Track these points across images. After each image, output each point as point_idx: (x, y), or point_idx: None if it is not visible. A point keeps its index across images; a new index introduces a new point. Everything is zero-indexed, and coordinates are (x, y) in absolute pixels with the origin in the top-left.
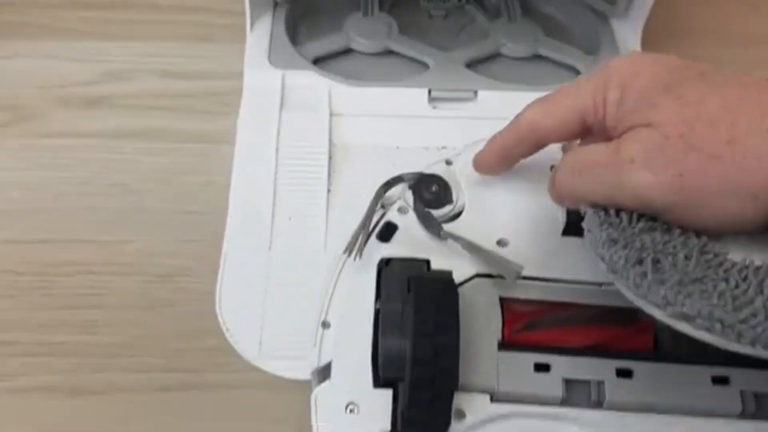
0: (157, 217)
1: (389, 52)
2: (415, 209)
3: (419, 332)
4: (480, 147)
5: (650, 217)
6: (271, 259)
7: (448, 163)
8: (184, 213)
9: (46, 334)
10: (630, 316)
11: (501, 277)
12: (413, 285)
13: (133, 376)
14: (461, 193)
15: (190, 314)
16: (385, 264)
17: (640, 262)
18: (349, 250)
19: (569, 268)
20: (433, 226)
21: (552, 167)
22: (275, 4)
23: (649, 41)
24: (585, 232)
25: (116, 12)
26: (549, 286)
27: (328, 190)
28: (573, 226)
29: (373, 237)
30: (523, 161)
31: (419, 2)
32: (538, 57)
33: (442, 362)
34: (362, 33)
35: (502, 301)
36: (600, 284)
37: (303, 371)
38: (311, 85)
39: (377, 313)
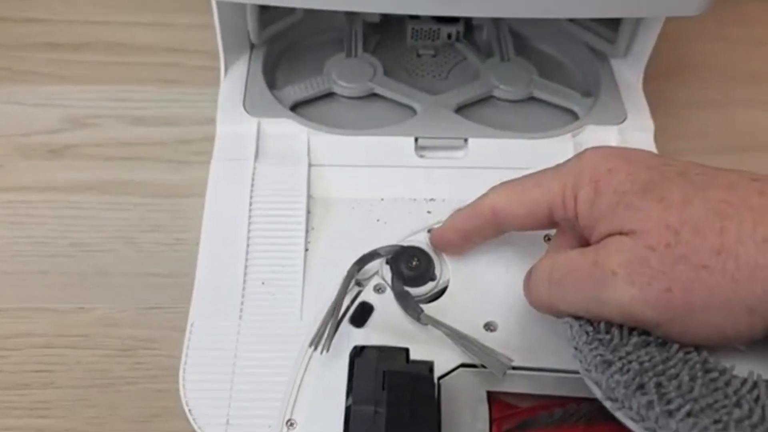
0: (119, 281)
1: (374, 96)
2: (393, 288)
3: None
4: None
5: (642, 330)
6: (241, 329)
7: (431, 232)
8: (149, 276)
9: None
10: None
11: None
12: (387, 384)
13: None
14: (445, 267)
15: (151, 393)
16: (358, 352)
17: (642, 387)
18: (315, 342)
19: (565, 357)
20: (412, 309)
21: (546, 237)
22: (252, 46)
23: (650, 80)
24: (572, 350)
25: (80, 53)
26: (543, 376)
27: (306, 249)
28: None
29: (346, 320)
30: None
31: (406, 41)
32: (532, 99)
33: None
34: (344, 76)
35: (490, 396)
36: None
37: None
38: (289, 133)
39: (348, 410)
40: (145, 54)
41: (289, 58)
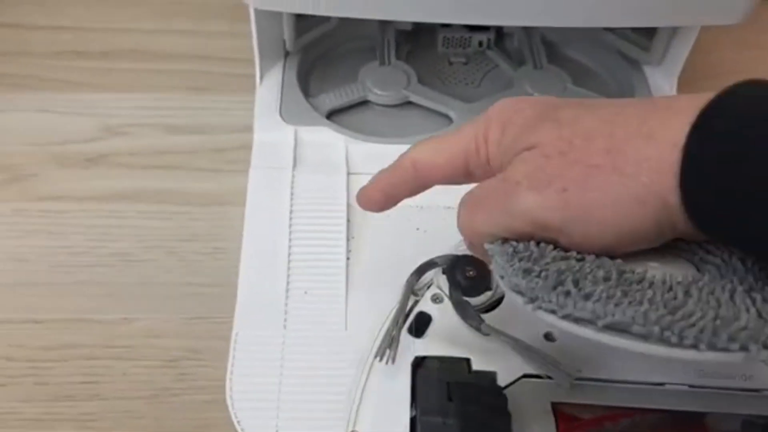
0: (161, 291)
1: (408, 104)
2: (451, 298)
3: None
4: None
5: (562, 248)
6: (286, 339)
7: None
8: (191, 285)
9: (40, 430)
10: (698, 420)
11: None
12: (456, 395)
13: None
14: None
15: (197, 405)
16: (419, 363)
17: (561, 283)
18: (380, 353)
19: (628, 367)
20: (472, 318)
21: None
22: (286, 54)
23: (683, 87)
24: (494, 268)
25: (111, 61)
26: (606, 387)
27: (347, 258)
28: None
29: (404, 331)
30: None
31: (437, 49)
32: None
33: None
34: (379, 83)
35: (555, 406)
36: (662, 384)
37: None
38: (326, 141)
39: (413, 421)
40: (174, 62)
41: (323, 66)
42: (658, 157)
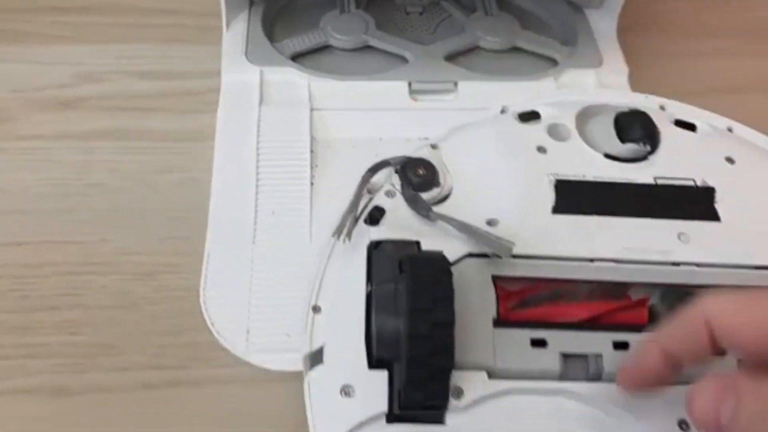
0: (136, 216)
1: (367, 48)
2: (403, 192)
3: (415, 308)
4: (465, 132)
5: None
6: (255, 253)
7: (434, 147)
8: (165, 211)
9: (25, 337)
10: (623, 291)
11: (493, 256)
12: (406, 263)
13: (117, 375)
14: (447, 176)
15: (173, 311)
16: (374, 247)
17: None
18: (337, 232)
19: (560, 245)
20: (422, 208)
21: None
22: (251, 3)
23: (624, 30)
24: None
25: (89, 16)
26: (541, 263)
27: (311, 184)
28: (563, 204)
29: (362, 222)
30: (509, 139)
31: (395, 0)
32: (515, 49)
33: (439, 337)
34: (339, 29)
35: (495, 279)
36: (591, 260)
37: (293, 363)
38: (290, 80)
39: (369, 294)
40: (146, 16)
41: (286, 14)
42: None
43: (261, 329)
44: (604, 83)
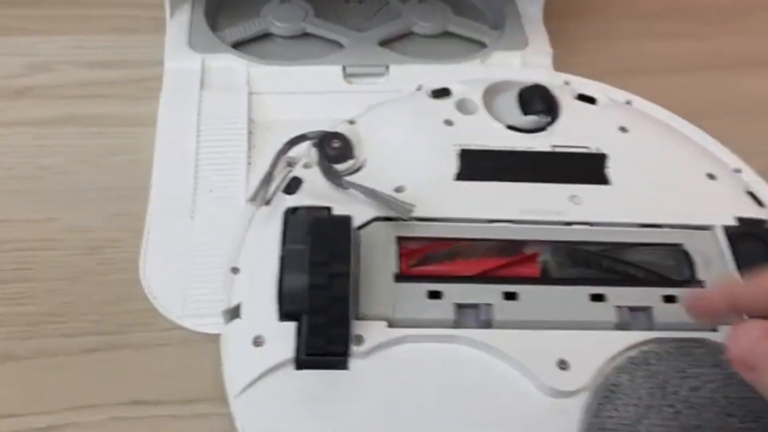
0: (84, 195)
1: (306, 35)
2: (319, 163)
3: (314, 261)
4: (381, 109)
5: None
6: (193, 227)
7: (351, 122)
8: (112, 190)
9: None
10: (517, 249)
11: (398, 219)
12: (312, 225)
13: (62, 341)
14: (363, 149)
15: (116, 282)
16: (291, 213)
17: None
18: (252, 199)
19: (461, 208)
20: (334, 177)
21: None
22: None
23: (556, 14)
24: None
25: (40, 9)
26: (443, 225)
27: (248, 163)
28: (465, 171)
29: (281, 191)
30: (419, 114)
31: None
32: (447, 34)
33: (336, 287)
34: (279, 17)
35: (399, 239)
36: (490, 221)
37: (223, 326)
38: (230, 66)
39: (282, 255)
40: (97, 7)
41: (230, 4)
42: None
43: (196, 296)
44: (529, 64)
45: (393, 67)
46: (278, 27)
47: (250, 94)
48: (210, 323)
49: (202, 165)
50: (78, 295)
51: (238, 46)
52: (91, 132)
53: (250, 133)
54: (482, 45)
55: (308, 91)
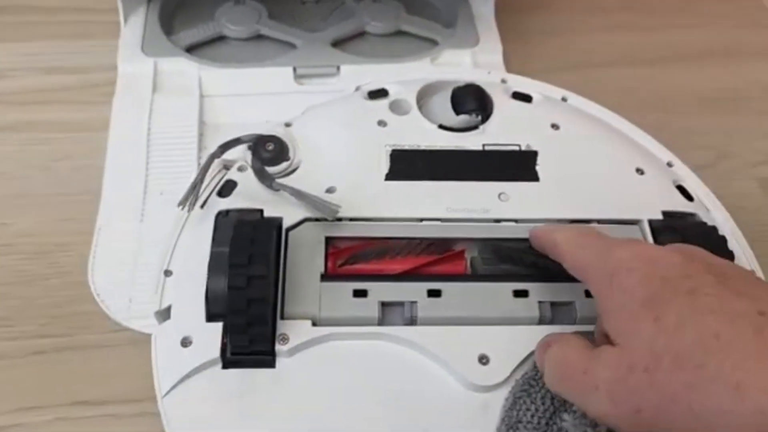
0: (36, 201)
1: (260, 37)
2: (252, 166)
3: (233, 264)
4: (317, 111)
5: None
6: (141, 230)
7: (287, 125)
8: (63, 195)
9: None
10: (446, 246)
11: (323, 219)
12: (234, 227)
13: (9, 344)
14: (298, 151)
15: (64, 285)
16: (223, 216)
17: None
18: (182, 203)
19: (391, 208)
20: (266, 179)
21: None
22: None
23: (510, 10)
24: None
25: None
26: (372, 224)
27: (199, 165)
28: (396, 171)
29: (215, 194)
30: (353, 115)
31: None
32: (400, 33)
33: (255, 289)
34: (233, 20)
35: (328, 240)
36: (419, 220)
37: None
38: (182, 70)
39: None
40: (53, 14)
41: (185, 8)
42: (739, 415)
43: (141, 298)
44: (479, 62)
45: (344, 68)
46: (232, 29)
47: (202, 96)
48: (155, 324)
49: (152, 168)
50: (26, 298)
51: (192, 49)
52: (45, 138)
53: (201, 135)
54: (435, 43)
55: (259, 93)
